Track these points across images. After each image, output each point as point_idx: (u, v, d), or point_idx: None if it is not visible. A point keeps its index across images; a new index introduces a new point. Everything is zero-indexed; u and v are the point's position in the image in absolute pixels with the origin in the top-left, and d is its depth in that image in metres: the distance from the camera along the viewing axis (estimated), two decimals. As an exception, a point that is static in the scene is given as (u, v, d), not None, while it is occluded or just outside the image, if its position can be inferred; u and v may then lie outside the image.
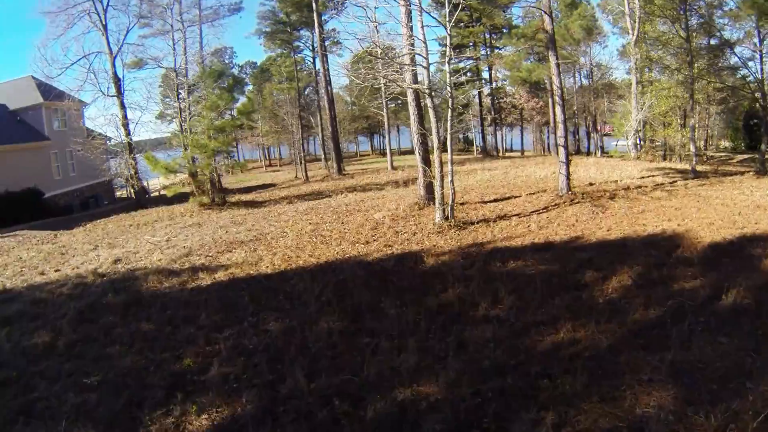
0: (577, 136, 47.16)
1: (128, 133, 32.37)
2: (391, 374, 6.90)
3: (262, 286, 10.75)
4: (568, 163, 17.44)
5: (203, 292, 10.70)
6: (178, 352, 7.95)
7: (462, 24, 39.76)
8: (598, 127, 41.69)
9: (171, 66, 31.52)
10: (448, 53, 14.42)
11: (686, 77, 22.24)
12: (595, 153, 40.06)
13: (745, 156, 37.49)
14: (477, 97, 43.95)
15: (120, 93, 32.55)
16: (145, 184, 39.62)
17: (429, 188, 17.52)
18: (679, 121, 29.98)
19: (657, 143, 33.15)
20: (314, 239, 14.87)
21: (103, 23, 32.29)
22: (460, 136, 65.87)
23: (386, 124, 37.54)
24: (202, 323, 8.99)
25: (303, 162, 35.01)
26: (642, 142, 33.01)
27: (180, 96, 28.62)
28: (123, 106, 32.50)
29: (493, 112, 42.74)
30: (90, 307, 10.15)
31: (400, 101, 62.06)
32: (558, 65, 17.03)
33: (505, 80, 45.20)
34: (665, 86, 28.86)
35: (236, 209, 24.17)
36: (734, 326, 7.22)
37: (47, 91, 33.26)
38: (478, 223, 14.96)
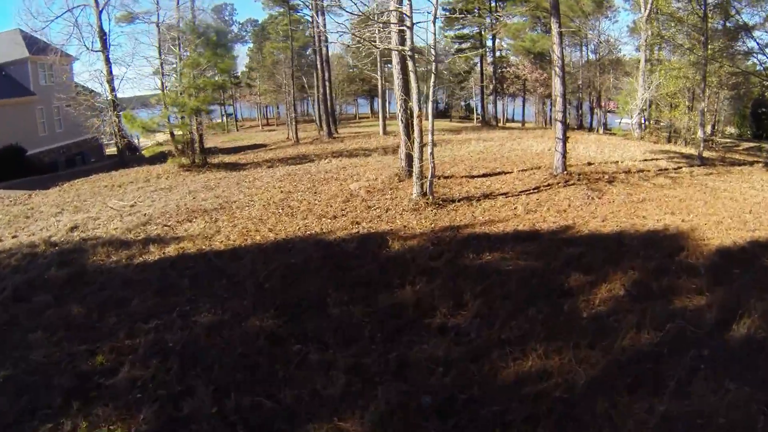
0: (580, 111, 44.98)
1: (113, 90, 30.26)
2: (310, 400, 5.40)
3: (209, 266, 9.56)
4: (565, 140, 15.65)
5: (147, 269, 9.49)
6: (96, 345, 6.73)
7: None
8: (602, 103, 39.51)
9: (162, 20, 29.25)
10: (433, 12, 12.42)
11: (699, 58, 20.16)
12: (598, 130, 38.03)
13: (752, 144, 35.58)
14: (479, 64, 41.58)
15: (105, 48, 30.23)
16: (136, 141, 37.71)
17: (410, 159, 15.78)
18: (687, 103, 27.92)
19: (662, 124, 31.07)
20: (280, 210, 13.37)
21: (90, -27, 29.80)
22: (462, 103, 63.59)
23: (380, 86, 35.29)
24: (133, 309, 7.78)
25: (294, 123, 33.08)
26: (647, 122, 31.00)
27: (162, 52, 26.39)
28: (108, 62, 30.28)
29: (494, 82, 40.38)
30: (29, 282, 9.04)
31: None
32: (561, 34, 15.04)
33: (509, 49, 42.75)
34: (676, 66, 26.75)
35: (215, 172, 22.50)
36: (746, 367, 5.65)
37: (33, 44, 31.01)
38: (459, 201, 13.29)
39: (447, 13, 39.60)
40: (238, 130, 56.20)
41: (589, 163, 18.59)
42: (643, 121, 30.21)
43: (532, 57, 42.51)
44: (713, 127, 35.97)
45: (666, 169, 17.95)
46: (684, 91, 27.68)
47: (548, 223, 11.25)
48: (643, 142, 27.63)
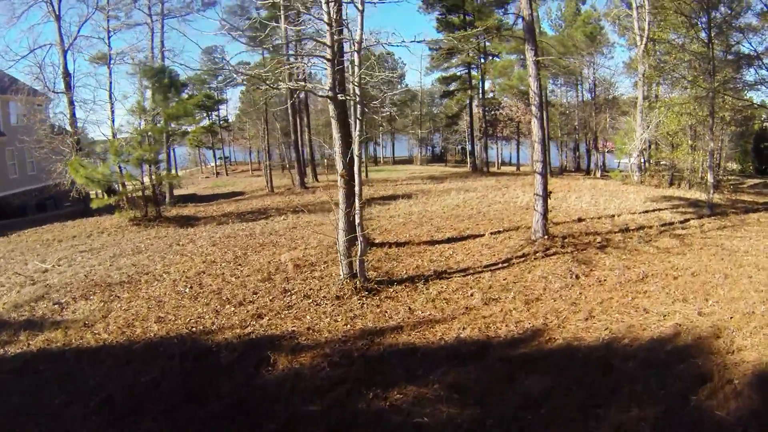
0: (577, 153, 41.85)
1: (75, 133, 27.71)
2: None
3: (61, 371, 7.42)
4: (546, 196, 12.33)
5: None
6: None
7: (454, 28, 34.69)
8: (599, 145, 36.36)
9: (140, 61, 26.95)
10: (358, 37, 9.33)
11: (707, 90, 16.96)
12: (595, 173, 34.76)
13: (756, 180, 32.17)
14: (468, 106, 38.79)
15: (69, 89, 27.92)
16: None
17: (350, 222, 12.58)
18: (689, 142, 24.61)
19: (663, 164, 27.58)
20: (187, 290, 10.52)
21: (57, 13, 27.71)
22: (458, 147, 60.88)
23: (308, 135, 32.10)
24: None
25: (269, 171, 30.20)
26: (648, 163, 27.66)
27: (113, 96, 23.82)
28: (72, 103, 27.95)
29: (485, 124, 37.41)
30: None
31: (396, 109, 57.18)
32: (537, 63, 11.92)
33: (496, 90, 39.86)
34: (677, 102, 23.59)
35: (164, 227, 19.53)
36: None
37: (4, 83, 28.92)
38: (402, 282, 9.95)
39: (433, 53, 37.15)
40: (228, 175, 53.63)
41: (580, 219, 15.21)
42: (642, 162, 26.87)
43: (525, 98, 39.72)
44: (717, 166, 32.52)
45: (671, 224, 14.52)
46: (686, 129, 24.42)
47: (509, 324, 7.80)
48: (644, 187, 24.24)
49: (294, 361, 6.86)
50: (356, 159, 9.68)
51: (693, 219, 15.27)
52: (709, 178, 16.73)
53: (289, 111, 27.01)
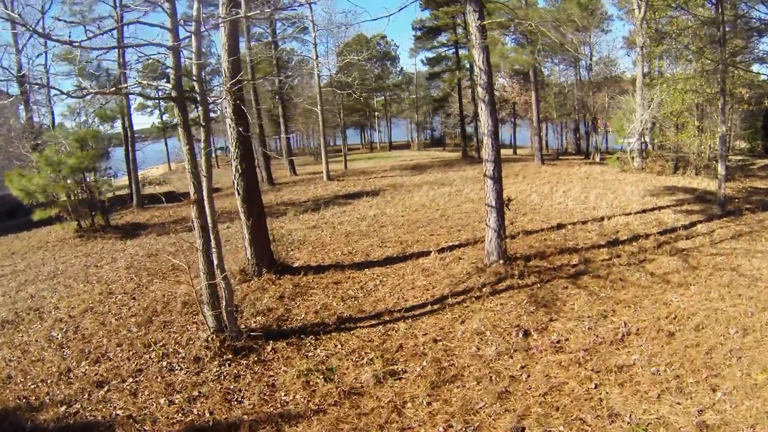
0: (577, 134, 38.05)
1: (34, 138, 24.93)
2: None
3: None
4: (501, 206, 9.15)
5: None
6: None
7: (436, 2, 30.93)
8: (598, 126, 32.65)
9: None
10: (195, 10, 6.15)
11: (716, 62, 13.49)
12: (593, 156, 31.14)
13: (767, 161, 28.43)
14: (457, 88, 35.18)
15: (25, 92, 25.15)
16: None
17: (255, 248, 9.56)
18: (696, 123, 21.02)
19: (667, 147, 23.94)
20: (59, 337, 8.02)
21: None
22: (458, 131, 57.23)
23: (282, 121, 28.66)
24: None
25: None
26: (650, 145, 24.07)
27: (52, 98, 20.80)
28: (27, 104, 25.22)
29: (475, 106, 33.79)
30: None
31: (389, 92, 53.57)
32: (482, 30, 8.62)
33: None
34: (682, 77, 19.99)
35: (106, 239, 16.94)
36: None
37: None
38: (291, 336, 7.08)
39: (418, 33, 33.06)
40: (219, 168, 50.92)
41: (560, 225, 12.04)
42: (642, 146, 23.32)
43: (520, 78, 35.96)
44: (728, 150, 28.67)
45: (673, 230, 11.30)
46: (692, 108, 20.84)
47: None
48: (644, 175, 20.85)
49: None
50: (205, 183, 6.58)
51: (701, 222, 12.00)
52: (720, 169, 13.31)
53: (253, 100, 23.90)
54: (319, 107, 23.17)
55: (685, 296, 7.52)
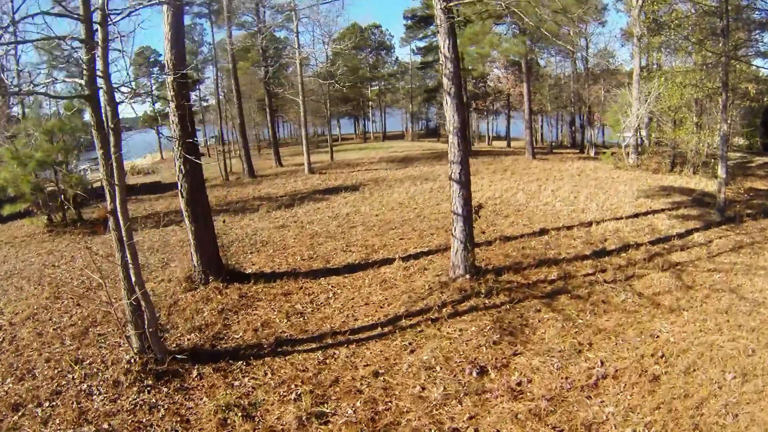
0: (573, 127, 36.74)
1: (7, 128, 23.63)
2: None
3: None
4: (469, 214, 8.02)
5: None
6: None
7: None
8: (594, 120, 31.36)
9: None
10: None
11: (718, 55, 12.26)
12: (588, 150, 29.91)
13: (766, 159, 27.27)
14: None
15: None
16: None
17: (201, 253, 8.42)
18: (694, 118, 19.79)
19: (664, 143, 22.66)
20: None
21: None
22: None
23: (268, 111, 27.31)
24: None
25: (224, 159, 25.88)
26: (646, 141, 22.85)
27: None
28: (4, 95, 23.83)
29: (466, 97, 32.41)
30: None
31: (384, 82, 52.13)
32: (448, 12, 7.45)
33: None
34: (681, 70, 18.77)
35: (75, 234, 15.80)
36: None
37: None
38: (221, 360, 6.09)
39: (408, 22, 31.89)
40: (210, 157, 49.55)
41: (542, 231, 10.91)
42: (638, 142, 22.11)
43: (515, 69, 34.56)
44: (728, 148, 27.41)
45: (667, 239, 10.18)
46: (691, 103, 19.61)
47: None
48: (640, 172, 19.66)
49: None
50: (117, 191, 5.47)
51: (697, 230, 10.87)
52: (720, 171, 12.14)
53: (234, 90, 22.61)
54: (300, 98, 21.84)
55: (676, 325, 6.41)
